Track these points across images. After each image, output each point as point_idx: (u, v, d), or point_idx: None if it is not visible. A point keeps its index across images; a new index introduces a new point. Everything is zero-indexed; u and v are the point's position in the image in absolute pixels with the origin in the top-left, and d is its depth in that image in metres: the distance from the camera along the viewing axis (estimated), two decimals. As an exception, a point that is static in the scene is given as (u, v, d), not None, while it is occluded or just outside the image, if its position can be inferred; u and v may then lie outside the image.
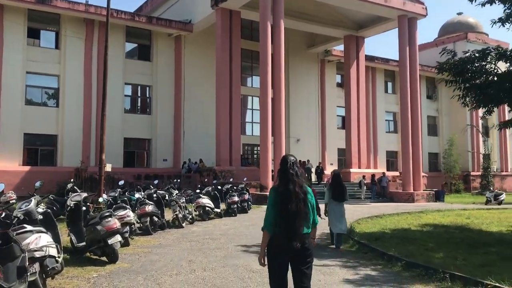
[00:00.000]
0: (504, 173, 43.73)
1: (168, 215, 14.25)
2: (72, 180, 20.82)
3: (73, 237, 8.83)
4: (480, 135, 41.96)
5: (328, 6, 29.73)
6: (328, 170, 33.46)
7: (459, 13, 48.02)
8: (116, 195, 15.08)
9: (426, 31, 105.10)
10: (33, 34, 26.83)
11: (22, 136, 25.95)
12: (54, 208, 14.73)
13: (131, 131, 29.04)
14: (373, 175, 29.28)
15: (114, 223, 8.29)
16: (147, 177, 25.97)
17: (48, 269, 5.89)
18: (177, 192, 17.68)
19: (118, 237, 8.27)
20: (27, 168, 25.50)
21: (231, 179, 23.64)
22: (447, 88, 40.55)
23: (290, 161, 4.45)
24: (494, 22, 11.62)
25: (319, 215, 11.19)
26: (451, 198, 31.46)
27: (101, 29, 27.29)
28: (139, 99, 31.16)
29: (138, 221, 12.25)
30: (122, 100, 28.99)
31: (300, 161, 30.33)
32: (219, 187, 19.97)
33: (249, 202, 18.88)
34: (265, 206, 4.61)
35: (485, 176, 39.78)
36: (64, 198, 14.31)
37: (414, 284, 6.94)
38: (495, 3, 12.32)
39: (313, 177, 30.06)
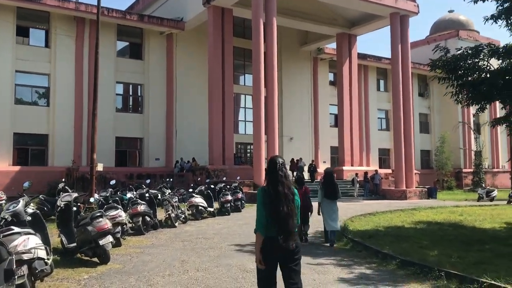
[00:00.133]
0: (495, 169, 44.02)
1: (161, 214, 14.13)
2: (63, 180, 20.53)
3: (63, 238, 8.69)
4: (472, 132, 42.19)
5: (321, 4, 29.65)
6: (321, 168, 33.50)
7: (451, 11, 48.29)
8: (108, 195, 14.91)
9: (418, 29, 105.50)
10: (22, 32, 26.51)
11: (12, 135, 25.66)
12: (45, 208, 14.58)
13: (123, 130, 28.81)
14: (365, 173, 29.31)
15: (105, 223, 8.15)
16: (140, 176, 25.81)
17: (37, 271, 5.75)
18: (169, 191, 17.54)
19: (109, 238, 8.13)
20: (17, 168, 25.22)
21: (224, 178, 23.52)
22: (439, 85, 40.74)
23: (279, 163, 4.47)
24: (487, 19, 11.61)
25: (311, 213, 11.27)
26: (443, 195, 31.56)
27: (92, 27, 27.02)
28: (130, 98, 30.91)
29: (130, 221, 12.11)
30: (114, 99, 28.76)
31: (293, 159, 30.37)
32: (212, 186, 19.85)
33: (243, 201, 18.79)
34: (259, 205, 4.56)
35: (477, 173, 39.99)
36: (55, 198, 14.09)
37: (409, 282, 6.89)
38: (488, 0, 12.34)
39: (306, 176, 29.97)
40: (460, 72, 12.36)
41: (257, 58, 24.29)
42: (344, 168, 31.23)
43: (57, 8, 26.22)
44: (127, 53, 30.23)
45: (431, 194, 29.00)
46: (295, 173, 30.11)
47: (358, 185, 27.99)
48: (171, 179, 24.52)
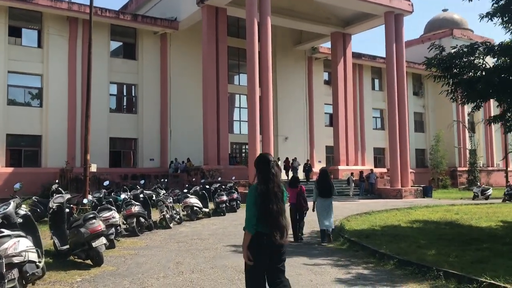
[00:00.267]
0: (490, 168, 44.14)
1: (155, 215, 13.99)
2: (57, 181, 20.41)
3: (56, 240, 8.54)
4: (466, 131, 42.29)
5: (315, 3, 29.61)
6: (317, 168, 33.46)
7: (444, 10, 48.41)
8: (101, 196, 14.75)
9: (412, 28, 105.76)
10: (14, 32, 26.29)
11: (5, 137, 25.42)
12: (38, 210, 14.41)
13: (117, 131, 28.63)
14: (361, 172, 29.27)
15: (99, 225, 8.01)
16: (134, 177, 25.68)
17: (28, 275, 5.62)
18: (164, 192, 17.39)
19: (102, 240, 8.00)
20: (10, 169, 24.99)
21: (219, 178, 23.41)
22: (433, 84, 40.75)
23: (271, 161, 4.49)
24: (483, 17, 11.54)
25: (306, 212, 11.27)
26: (438, 194, 31.60)
27: (85, 27, 26.81)
28: (124, 98, 30.72)
29: (125, 222, 11.98)
30: (108, 100, 28.57)
31: (287, 158, 30.30)
32: (207, 186, 19.70)
33: (238, 201, 18.68)
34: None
35: (471, 171, 40.14)
36: (48, 199, 13.92)
37: (407, 282, 6.79)
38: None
39: (301, 175, 29.88)
40: (455, 70, 12.31)
41: (252, 57, 24.20)
42: (339, 167, 31.21)
43: (49, 8, 26.00)
44: (120, 53, 30.04)
45: (426, 193, 29.03)
46: (289, 172, 30.13)
47: (353, 185, 27.95)
48: (166, 180, 24.37)
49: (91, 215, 8.17)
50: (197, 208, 15.55)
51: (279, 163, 30.21)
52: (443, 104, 41.21)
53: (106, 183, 15.15)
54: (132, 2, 36.02)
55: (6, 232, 5.66)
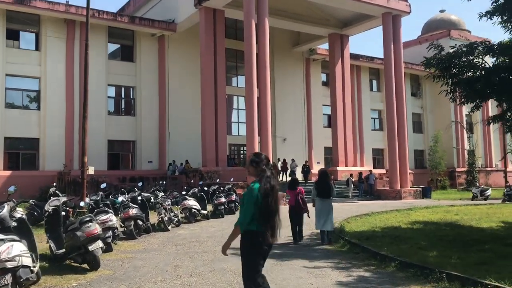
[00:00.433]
0: (489, 168, 44.08)
1: (153, 218, 13.86)
2: (54, 184, 20.30)
3: (52, 244, 8.39)
4: (465, 131, 42.25)
5: (313, 4, 29.57)
6: (315, 169, 33.36)
7: (442, 11, 48.45)
8: (98, 198, 14.61)
9: (409, 29, 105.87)
10: (12, 35, 26.19)
11: (3, 140, 25.31)
12: (35, 213, 14.29)
13: (115, 133, 28.51)
14: (360, 173, 29.18)
15: (95, 228, 7.88)
16: (132, 179, 25.56)
17: (22, 280, 5.49)
18: (162, 194, 17.29)
19: (99, 243, 7.86)
20: (8, 172, 24.87)
21: (217, 180, 23.30)
22: (431, 85, 40.70)
23: (269, 161, 4.61)
24: (482, 16, 11.46)
25: (307, 213, 11.20)
26: (437, 195, 31.53)
27: (82, 29, 26.69)
28: (123, 101, 30.59)
29: (122, 225, 11.85)
30: (106, 102, 28.44)
31: (284, 160, 30.22)
32: (206, 188, 19.59)
33: (236, 203, 18.50)
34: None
35: (470, 172, 40.06)
36: (46, 202, 13.82)
37: (409, 285, 6.68)
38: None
39: (299, 176, 29.77)
40: (454, 70, 12.23)
41: (250, 59, 24.11)
42: (338, 168, 31.10)
43: (47, 10, 25.91)
44: (118, 55, 29.92)
45: (425, 193, 28.95)
46: (287, 173, 30.05)
47: (352, 186, 27.85)
48: (164, 182, 24.25)
49: (87, 218, 8.04)
50: (196, 210, 15.41)
51: (279, 164, 30.19)
52: (441, 105, 41.21)
53: (103, 185, 15.01)
54: (130, 4, 35.93)
55: (0, 236, 5.53)
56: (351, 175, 28.51)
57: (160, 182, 23.47)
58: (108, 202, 13.48)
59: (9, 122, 25.32)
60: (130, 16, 29.86)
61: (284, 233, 11.39)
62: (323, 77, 38.08)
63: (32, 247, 6.38)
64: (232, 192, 18.86)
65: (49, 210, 8.52)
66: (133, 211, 11.80)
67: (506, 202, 24.42)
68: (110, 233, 9.64)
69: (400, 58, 29.71)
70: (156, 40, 29.99)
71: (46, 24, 26.61)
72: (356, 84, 38.31)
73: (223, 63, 27.45)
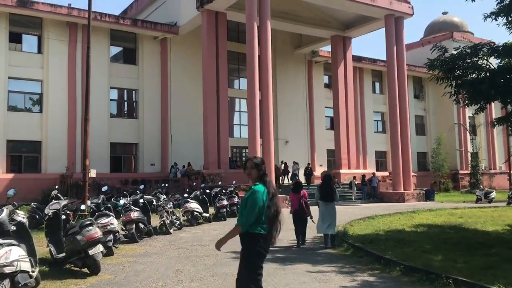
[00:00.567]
0: (492, 171, 43.83)
1: (155, 221, 13.77)
2: (56, 187, 20.23)
3: (52, 248, 8.31)
4: (468, 134, 42.04)
5: (315, 7, 29.49)
6: (318, 172, 33.21)
7: (444, 13, 48.26)
8: (99, 201, 14.52)
9: (412, 31, 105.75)
10: (15, 38, 26.16)
11: (5, 143, 25.25)
12: (37, 216, 14.22)
13: (118, 136, 28.44)
14: (363, 176, 29.03)
15: (95, 232, 7.78)
16: (135, 182, 25.45)
17: (20, 285, 5.41)
18: (164, 197, 17.17)
19: (99, 247, 7.77)
20: (11, 175, 24.82)
21: (219, 183, 23.19)
22: (434, 87, 40.59)
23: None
24: (487, 17, 11.36)
25: (311, 218, 11.11)
26: (441, 197, 31.34)
27: (84, 32, 26.58)
28: (125, 103, 30.55)
29: (124, 229, 11.75)
30: (108, 105, 28.38)
31: (285, 162, 30.09)
32: (208, 191, 19.49)
33: (239, 206, 18.42)
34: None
35: (473, 174, 39.84)
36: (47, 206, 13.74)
37: (415, 290, 6.57)
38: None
39: (302, 179, 29.64)
40: (458, 72, 12.13)
41: (252, 61, 24.02)
42: (341, 171, 30.97)
43: (49, 13, 25.89)
44: (121, 58, 29.89)
45: (429, 196, 28.80)
46: (288, 176, 29.93)
47: (355, 188, 27.70)
48: (167, 185, 24.15)
49: (88, 222, 7.95)
50: (198, 213, 15.33)
51: (282, 166, 30.05)
52: (444, 107, 41.06)
53: (104, 188, 14.93)
54: (132, 7, 35.94)
55: (-2, 240, 5.45)
56: (354, 177, 28.36)
57: (162, 184, 23.37)
58: (109, 205, 13.39)
59: (11, 125, 25.28)
60: (133, 19, 29.83)
61: (287, 237, 11.30)
62: (326, 79, 37.98)
63: (31, 252, 6.29)
64: (234, 195, 18.75)
65: (49, 214, 8.44)
66: (135, 214, 11.72)
67: (511, 205, 24.22)
68: (111, 236, 9.55)
69: (403, 60, 29.58)
70: (158, 43, 29.95)
71: (48, 27, 26.60)
72: (358, 86, 38.19)
73: (225, 66, 27.39)
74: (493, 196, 27.17)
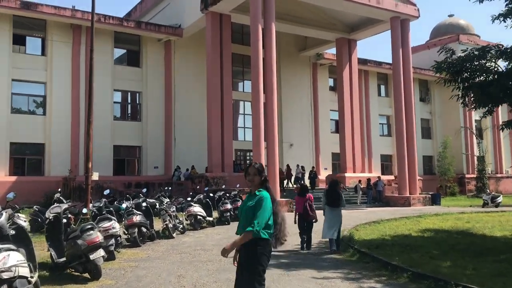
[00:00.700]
0: (499, 175, 43.45)
1: (158, 225, 13.61)
2: (59, 190, 20.15)
3: (52, 252, 8.15)
4: (474, 137, 41.70)
5: (320, 9, 29.34)
6: (323, 175, 33.01)
7: (450, 15, 48.02)
8: (101, 205, 14.39)
9: (418, 34, 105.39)
10: (18, 40, 26.13)
11: (8, 145, 25.19)
12: (39, 219, 14.09)
13: (121, 139, 28.35)
14: (368, 180, 28.77)
15: (96, 236, 7.64)
16: (138, 185, 25.31)
17: (18, 291, 5.24)
18: (168, 200, 17.04)
19: (100, 252, 7.62)
20: (13, 178, 24.75)
21: (223, 186, 23.02)
22: (440, 90, 40.29)
23: None
24: (495, 18, 11.18)
25: (315, 221, 10.99)
26: (447, 201, 31.04)
27: (88, 34, 26.45)
28: (129, 106, 30.49)
29: (126, 233, 11.61)
30: (112, 107, 28.31)
31: (287, 165, 29.88)
32: (211, 194, 19.34)
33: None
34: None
35: (480, 178, 39.47)
36: (49, 209, 13.61)
37: (423, 298, 6.38)
38: (492, -1, 11.91)
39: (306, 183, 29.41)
40: (466, 74, 11.93)
41: (256, 64, 23.88)
42: (346, 174, 30.71)
43: (53, 15, 25.87)
44: (124, 61, 29.83)
45: (435, 200, 28.51)
46: (291, 180, 29.73)
47: (361, 192, 27.45)
48: (170, 188, 24.01)
49: (89, 226, 7.81)
50: (201, 217, 15.16)
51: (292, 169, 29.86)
52: (450, 110, 40.80)
53: (106, 191, 14.80)
54: (136, 10, 35.92)
55: (-5, 245, 5.30)
56: (359, 181, 28.12)
57: (166, 188, 23.23)
58: (111, 208, 13.26)
59: (15, 127, 25.24)
60: (137, 21, 29.80)
61: (292, 241, 11.12)
62: (331, 82, 37.80)
63: (30, 257, 6.13)
64: (238, 199, 18.58)
65: (50, 217, 8.29)
66: (137, 218, 11.57)
67: (518, 209, 23.92)
68: (112, 241, 9.40)
69: (408, 62, 29.35)
70: (162, 45, 29.89)
71: (52, 29, 26.59)
72: (364, 89, 37.96)
73: (230, 68, 27.26)
74: (500, 201, 26.87)
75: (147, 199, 14.47)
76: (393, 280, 7.46)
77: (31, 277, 5.69)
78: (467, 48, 12.13)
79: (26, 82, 26.05)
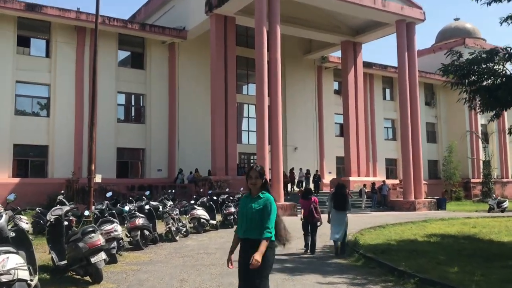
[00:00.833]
0: (505, 179, 43.10)
1: (161, 228, 13.50)
2: (62, 192, 20.08)
3: (54, 255, 8.05)
4: (480, 142, 41.40)
5: (325, 12, 29.23)
6: (327, 179, 32.84)
7: (456, 19, 47.78)
8: (104, 207, 14.28)
9: (423, 38, 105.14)
10: (23, 42, 26.17)
11: (12, 147, 25.16)
12: (41, 221, 14.00)
13: (125, 141, 28.29)
14: (373, 184, 28.58)
15: (98, 239, 7.52)
16: (141, 187, 25.23)
17: (17, 294, 5.13)
18: (171, 203, 16.90)
19: (102, 255, 7.50)
20: (17, 180, 24.70)
21: (227, 189, 22.88)
22: (445, 94, 40.08)
23: None
24: (504, 20, 11.03)
25: (320, 224, 10.92)
26: (452, 206, 30.79)
27: (92, 36, 26.50)
28: (132, 108, 30.45)
29: (128, 235, 11.50)
30: (115, 109, 28.27)
31: (291, 169, 29.72)
32: (215, 197, 19.21)
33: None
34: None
35: (486, 183, 39.14)
36: (52, 211, 13.52)
37: (431, 305, 6.23)
38: (501, 1, 11.78)
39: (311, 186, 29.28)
40: (473, 77, 11.79)
41: (261, 67, 23.76)
42: (350, 178, 30.49)
43: (58, 17, 25.87)
44: (128, 63, 29.82)
45: (440, 205, 28.28)
46: (295, 183, 29.58)
47: (365, 196, 27.26)
48: (173, 191, 23.90)
49: (90, 229, 7.70)
50: (204, 220, 15.05)
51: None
52: (456, 114, 40.56)
53: (109, 194, 14.70)
54: (141, 12, 35.93)
55: (-6, 248, 5.20)
56: (364, 185, 27.93)
57: (169, 190, 23.13)
58: (114, 211, 13.16)
59: (18, 129, 25.21)
60: (141, 23, 29.78)
61: (296, 245, 10.97)
62: (335, 85, 37.65)
63: (31, 259, 6.03)
64: (241, 202, 18.40)
65: (51, 220, 8.18)
66: (140, 220, 11.46)
67: (524, 214, 23.69)
68: (114, 243, 9.28)
69: (414, 66, 29.17)
70: (166, 47, 29.85)
71: (56, 31, 26.60)
72: (369, 92, 37.80)
73: (234, 71, 27.17)
74: (506, 206, 26.62)
75: (150, 202, 14.34)
76: (400, 286, 7.32)
77: (31, 280, 5.58)
78: (474, 51, 11.96)
79: (30, 84, 26.04)
